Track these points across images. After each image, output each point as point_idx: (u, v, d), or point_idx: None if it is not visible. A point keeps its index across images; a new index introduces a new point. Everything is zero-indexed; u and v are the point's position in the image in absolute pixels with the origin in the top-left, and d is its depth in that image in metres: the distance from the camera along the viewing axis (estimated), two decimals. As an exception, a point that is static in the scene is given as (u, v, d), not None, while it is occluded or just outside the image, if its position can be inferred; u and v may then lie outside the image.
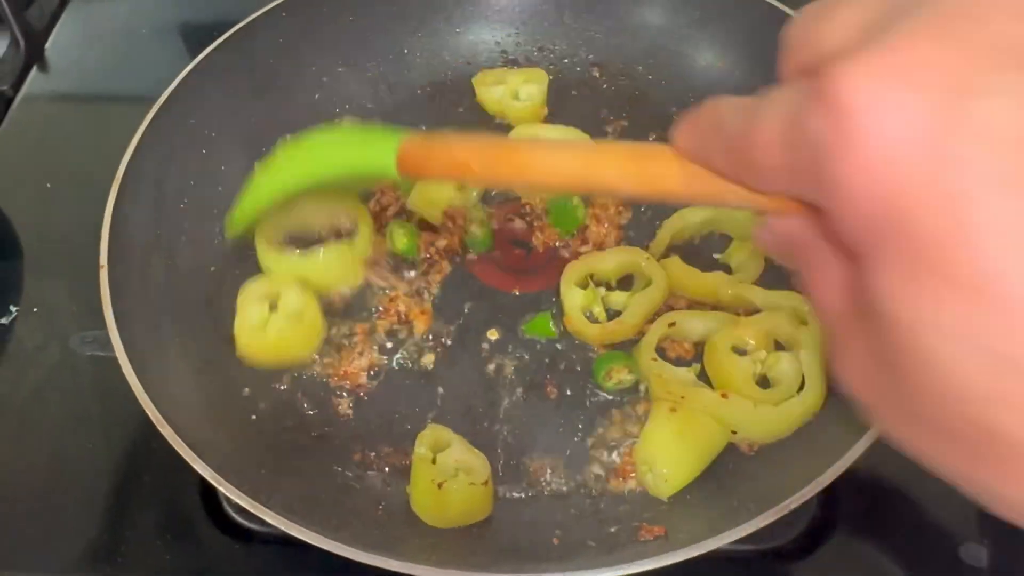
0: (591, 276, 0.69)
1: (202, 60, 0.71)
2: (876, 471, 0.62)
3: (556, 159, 0.40)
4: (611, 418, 0.63)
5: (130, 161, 0.64)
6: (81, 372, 0.68)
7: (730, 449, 0.60)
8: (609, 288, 0.69)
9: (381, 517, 0.57)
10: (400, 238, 0.70)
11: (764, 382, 0.63)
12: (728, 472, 0.59)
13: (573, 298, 0.67)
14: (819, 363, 0.61)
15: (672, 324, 0.66)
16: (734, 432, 0.60)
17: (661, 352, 0.65)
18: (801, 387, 0.61)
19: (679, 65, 0.80)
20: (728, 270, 0.70)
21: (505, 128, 0.79)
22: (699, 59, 0.80)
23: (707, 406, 0.60)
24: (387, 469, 0.61)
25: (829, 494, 0.61)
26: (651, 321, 0.66)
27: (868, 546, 0.60)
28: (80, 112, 0.89)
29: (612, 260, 0.69)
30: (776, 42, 0.28)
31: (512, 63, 0.83)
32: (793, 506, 0.49)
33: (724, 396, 0.60)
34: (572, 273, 0.68)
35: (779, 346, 0.64)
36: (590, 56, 0.83)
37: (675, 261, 0.69)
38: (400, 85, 0.82)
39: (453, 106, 0.81)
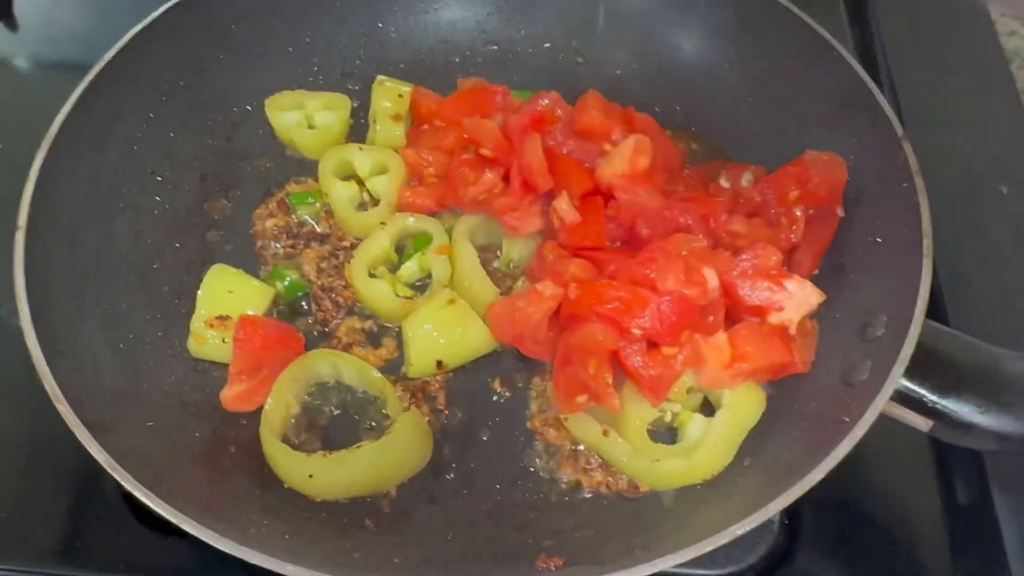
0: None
1: (157, 18, 0.66)
2: (842, 499, 0.58)
3: None
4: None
5: (66, 120, 0.59)
6: (13, 341, 0.64)
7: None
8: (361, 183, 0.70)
9: (299, 519, 0.53)
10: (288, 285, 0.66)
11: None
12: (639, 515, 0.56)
13: (340, 189, 0.69)
14: (728, 433, 0.56)
15: None
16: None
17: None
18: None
19: (664, 54, 0.75)
20: None
21: (296, 160, 0.73)
22: (685, 46, 0.75)
23: (588, 439, 0.58)
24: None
25: (793, 520, 0.58)
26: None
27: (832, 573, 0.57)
28: (48, 73, 0.85)
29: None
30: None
31: (491, 44, 0.79)
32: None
33: (605, 433, 0.57)
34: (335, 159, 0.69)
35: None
36: (573, 41, 0.78)
37: None
38: (372, 60, 0.78)
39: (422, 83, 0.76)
